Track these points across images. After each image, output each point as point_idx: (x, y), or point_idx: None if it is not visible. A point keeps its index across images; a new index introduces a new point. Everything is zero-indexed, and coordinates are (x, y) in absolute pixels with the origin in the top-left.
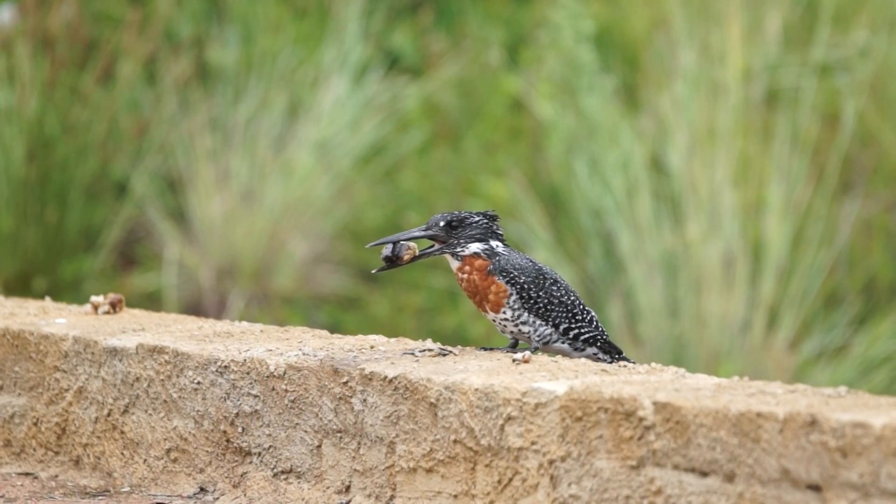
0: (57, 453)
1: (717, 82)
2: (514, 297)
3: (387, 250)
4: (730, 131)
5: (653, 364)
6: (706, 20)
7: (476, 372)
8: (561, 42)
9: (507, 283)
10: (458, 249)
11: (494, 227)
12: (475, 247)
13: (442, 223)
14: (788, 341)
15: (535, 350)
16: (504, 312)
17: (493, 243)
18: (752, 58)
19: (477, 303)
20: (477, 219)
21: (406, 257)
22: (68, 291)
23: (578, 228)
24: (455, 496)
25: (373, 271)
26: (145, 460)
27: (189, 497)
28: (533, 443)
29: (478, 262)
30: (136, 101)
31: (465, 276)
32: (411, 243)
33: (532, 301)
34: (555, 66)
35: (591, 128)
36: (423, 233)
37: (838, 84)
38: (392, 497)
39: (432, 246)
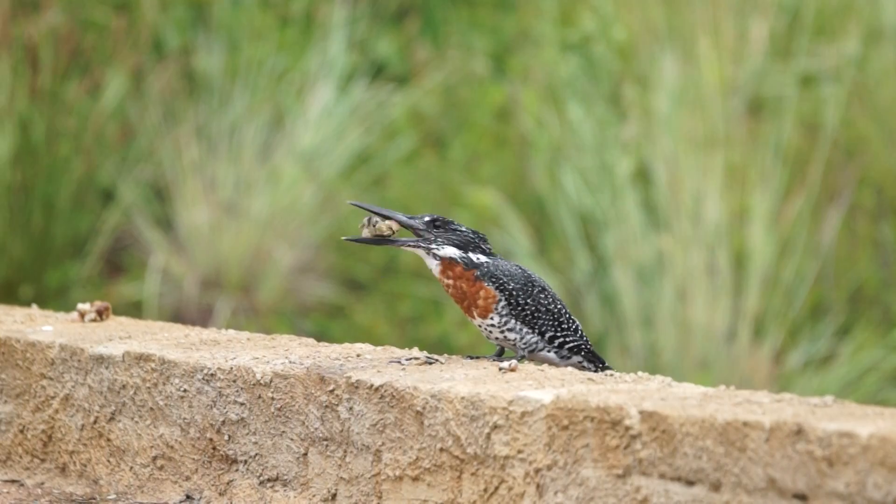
0: (43, 461)
1: (702, 91)
2: (502, 304)
3: (366, 230)
4: (715, 141)
5: (639, 373)
6: (691, 28)
7: (462, 380)
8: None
9: (497, 288)
10: (434, 247)
11: (480, 244)
12: (451, 251)
13: (427, 218)
14: (774, 351)
15: (521, 358)
16: (491, 318)
17: (475, 256)
18: (738, 67)
19: (465, 308)
20: (463, 229)
21: (386, 231)
22: (55, 299)
23: (564, 238)
24: None
25: (343, 238)
26: (131, 468)
27: None
28: (519, 451)
29: (458, 269)
30: (122, 109)
31: (451, 282)
32: (393, 224)
33: (520, 308)
34: (542, 75)
35: (577, 137)
36: (406, 219)
37: (824, 93)
38: None
39: (412, 238)
